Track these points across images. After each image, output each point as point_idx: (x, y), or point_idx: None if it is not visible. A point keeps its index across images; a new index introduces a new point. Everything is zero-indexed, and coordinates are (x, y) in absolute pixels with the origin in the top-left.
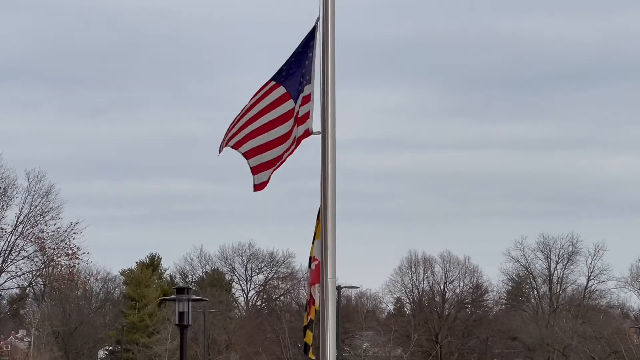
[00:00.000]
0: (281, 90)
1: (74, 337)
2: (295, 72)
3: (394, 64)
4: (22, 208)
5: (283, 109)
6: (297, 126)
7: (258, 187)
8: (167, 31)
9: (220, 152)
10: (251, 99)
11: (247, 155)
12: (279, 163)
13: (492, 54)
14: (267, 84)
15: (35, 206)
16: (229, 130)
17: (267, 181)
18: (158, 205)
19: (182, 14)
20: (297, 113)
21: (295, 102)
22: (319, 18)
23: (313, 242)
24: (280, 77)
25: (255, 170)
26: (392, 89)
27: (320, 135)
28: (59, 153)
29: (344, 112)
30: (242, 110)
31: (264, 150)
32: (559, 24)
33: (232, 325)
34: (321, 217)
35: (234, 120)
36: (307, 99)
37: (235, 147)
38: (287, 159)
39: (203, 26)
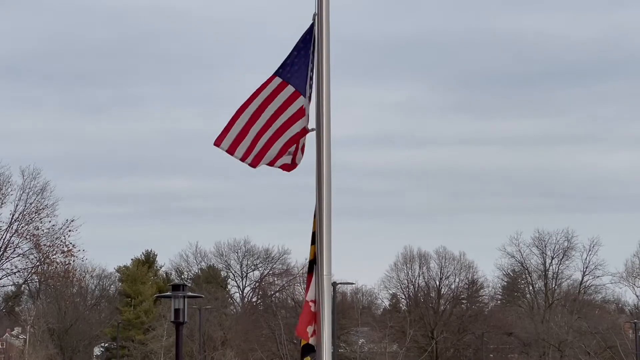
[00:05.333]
0: (290, 89)
1: (69, 335)
2: (300, 67)
3: (394, 61)
4: (17, 205)
5: (294, 108)
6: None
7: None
8: (167, 28)
9: (218, 145)
10: (254, 96)
11: (254, 163)
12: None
13: (492, 51)
14: (270, 79)
15: (30, 203)
16: (232, 131)
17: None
18: (154, 202)
19: (182, 12)
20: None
21: (306, 97)
22: (315, 14)
23: (313, 243)
24: (285, 73)
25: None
26: (392, 86)
27: (315, 132)
28: (58, 150)
29: (343, 109)
30: (247, 111)
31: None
32: (558, 21)
33: (228, 321)
34: (316, 214)
35: (239, 121)
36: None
37: (243, 158)
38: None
39: (204, 23)
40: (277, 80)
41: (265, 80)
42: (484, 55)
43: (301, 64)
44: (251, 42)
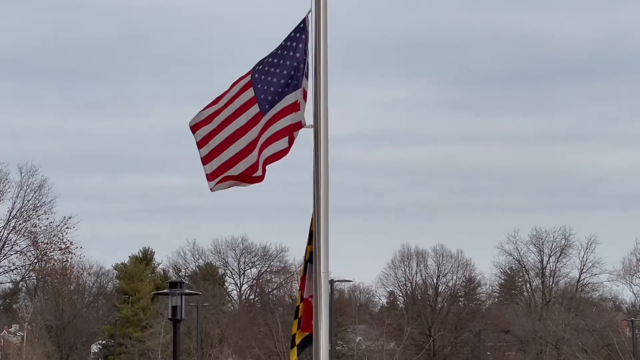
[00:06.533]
0: (250, 94)
1: (67, 332)
2: (274, 73)
3: (394, 59)
4: (14, 202)
5: (248, 116)
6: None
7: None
8: (167, 27)
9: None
10: (226, 93)
11: (204, 160)
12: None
13: (492, 49)
14: (247, 74)
15: (28, 201)
16: (200, 114)
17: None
18: (151, 199)
19: (182, 10)
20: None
21: (264, 111)
22: (310, 11)
23: (310, 242)
24: (255, 72)
25: (210, 176)
26: (391, 84)
27: (312, 129)
28: (56, 147)
29: (343, 106)
30: (215, 105)
31: (226, 157)
32: (558, 19)
33: (225, 319)
34: (313, 211)
35: (206, 111)
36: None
37: (199, 146)
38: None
39: (203, 22)
40: (247, 79)
41: (247, 72)
42: (484, 53)
43: (275, 66)
44: (251, 40)
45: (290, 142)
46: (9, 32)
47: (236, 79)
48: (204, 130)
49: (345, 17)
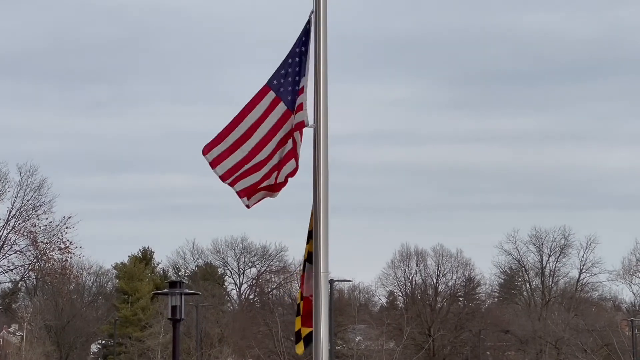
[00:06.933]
0: (282, 107)
1: (66, 331)
2: (293, 79)
3: (394, 58)
4: (14, 202)
5: (287, 128)
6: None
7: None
8: (167, 26)
9: (205, 154)
10: (248, 110)
11: (232, 182)
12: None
13: (491, 48)
14: (264, 92)
15: (28, 200)
16: (220, 145)
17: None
18: (151, 199)
19: (182, 9)
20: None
21: (293, 111)
22: (313, 11)
23: (308, 241)
24: (278, 86)
25: (242, 192)
26: (391, 84)
27: (312, 128)
28: (56, 147)
29: (343, 107)
30: (239, 127)
31: (252, 172)
32: (558, 19)
33: (225, 319)
34: (313, 210)
35: (230, 137)
36: (301, 91)
37: (224, 178)
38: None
39: (203, 21)
40: (271, 95)
41: (258, 90)
42: (483, 53)
43: (294, 74)
44: (251, 40)
45: (296, 155)
46: (9, 32)
47: (246, 103)
48: (228, 163)
49: (345, 17)
